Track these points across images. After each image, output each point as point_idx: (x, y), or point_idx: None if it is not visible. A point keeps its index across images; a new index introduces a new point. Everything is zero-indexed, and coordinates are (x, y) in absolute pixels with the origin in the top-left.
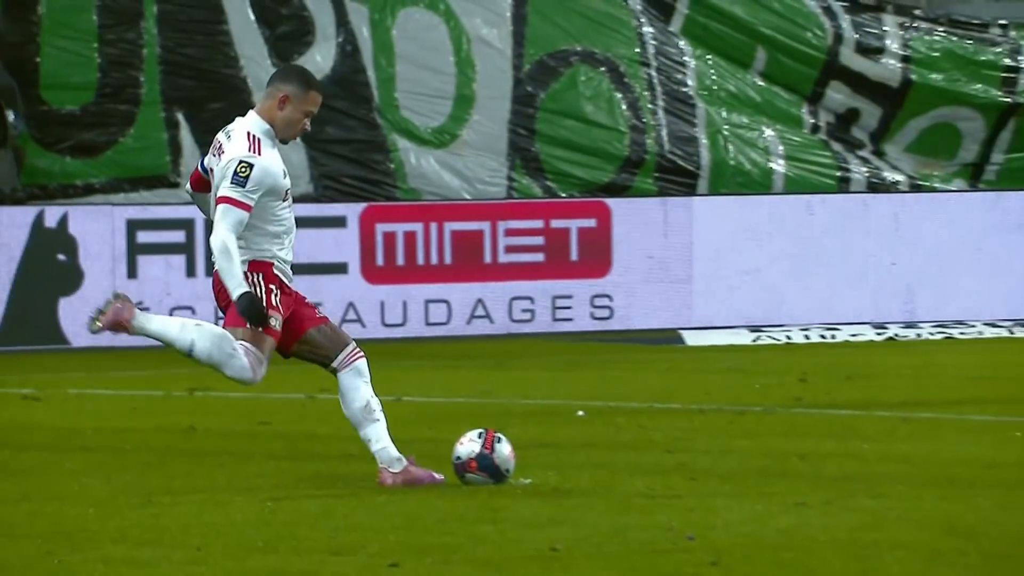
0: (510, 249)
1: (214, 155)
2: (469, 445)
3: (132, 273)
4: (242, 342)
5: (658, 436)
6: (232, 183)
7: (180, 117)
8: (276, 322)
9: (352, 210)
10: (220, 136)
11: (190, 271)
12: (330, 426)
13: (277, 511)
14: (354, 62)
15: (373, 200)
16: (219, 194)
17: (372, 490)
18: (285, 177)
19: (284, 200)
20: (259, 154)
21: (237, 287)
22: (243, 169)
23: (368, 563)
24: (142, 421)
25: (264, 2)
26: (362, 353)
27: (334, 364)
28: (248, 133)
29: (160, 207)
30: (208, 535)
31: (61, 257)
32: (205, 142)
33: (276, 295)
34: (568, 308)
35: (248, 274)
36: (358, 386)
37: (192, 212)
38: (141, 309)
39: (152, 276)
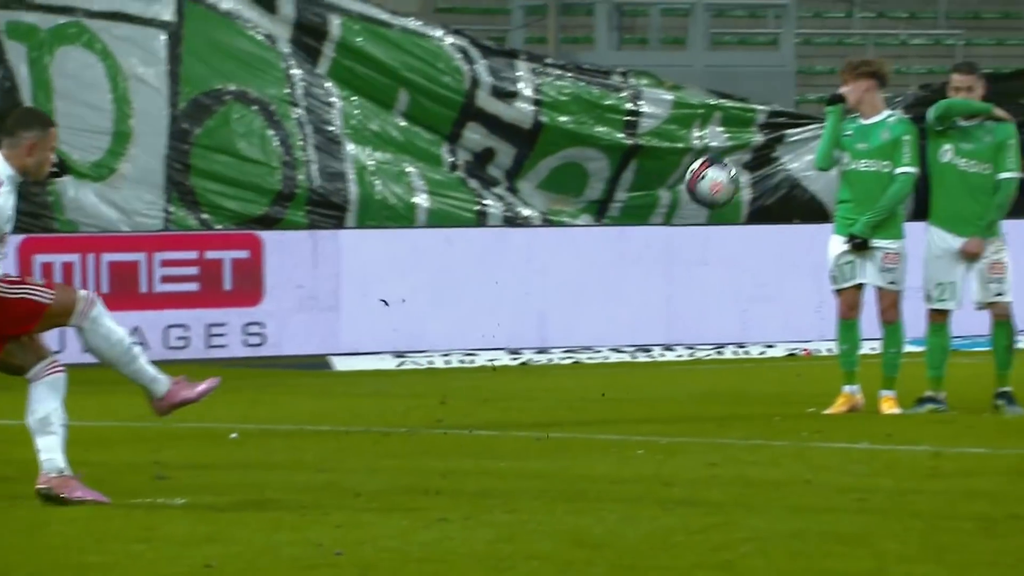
0: (166, 279)
1: None
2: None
3: None
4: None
5: (309, 456)
6: None
7: None
8: (43, 295)
9: (11, 241)
10: None
11: None
12: None
13: None
14: (12, 98)
15: (31, 232)
16: None
17: (30, 509)
18: (8, 223)
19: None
20: None
21: None
22: None
23: None
24: None
25: None
26: (61, 368)
27: (29, 374)
28: None
29: None
30: None
31: None
32: None
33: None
34: (222, 335)
35: None
36: (44, 398)
37: None
38: None
39: None
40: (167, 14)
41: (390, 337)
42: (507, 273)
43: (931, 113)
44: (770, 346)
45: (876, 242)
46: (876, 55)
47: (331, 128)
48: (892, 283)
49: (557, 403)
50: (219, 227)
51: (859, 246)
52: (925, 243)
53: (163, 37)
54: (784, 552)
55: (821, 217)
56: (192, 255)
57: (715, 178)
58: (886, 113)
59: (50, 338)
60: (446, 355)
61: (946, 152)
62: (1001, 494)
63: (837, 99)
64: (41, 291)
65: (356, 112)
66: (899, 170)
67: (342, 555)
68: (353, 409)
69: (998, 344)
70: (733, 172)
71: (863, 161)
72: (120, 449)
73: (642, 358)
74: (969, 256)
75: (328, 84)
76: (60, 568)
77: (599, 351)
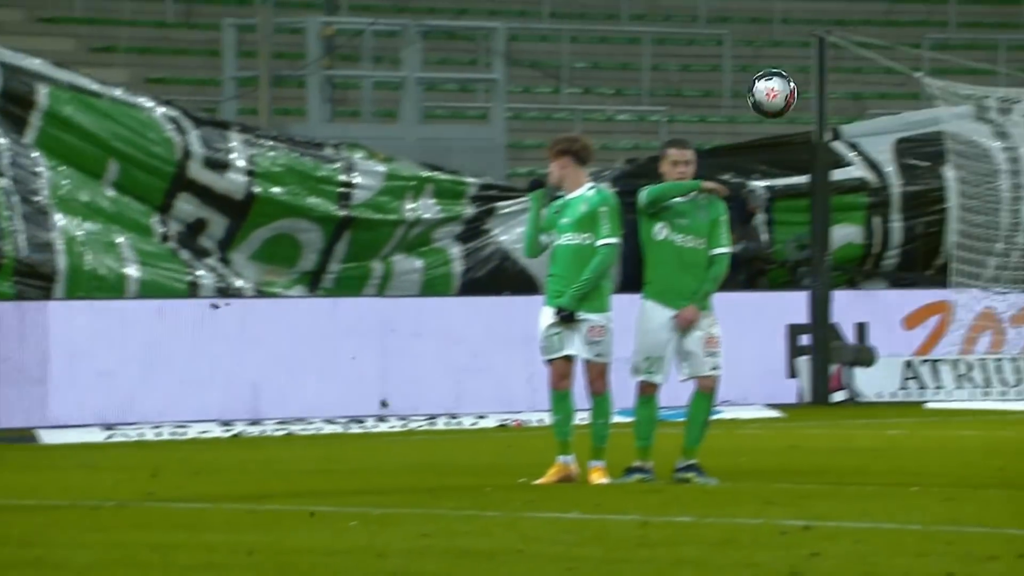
0: None
1: None
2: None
3: None
4: None
5: (15, 532)
6: None
7: None
8: None
9: None
10: None
11: None
12: None
13: None
14: None
15: None
16: None
17: None
18: None
19: None
20: None
21: None
22: None
23: None
24: None
25: None
26: None
27: None
28: None
29: None
30: None
31: None
32: None
33: None
34: None
35: None
36: None
37: None
38: None
39: None
40: None
41: (99, 410)
42: (220, 344)
43: (643, 197)
44: (482, 417)
45: (582, 315)
46: (583, 130)
47: (38, 198)
48: (599, 355)
49: (270, 475)
50: None
51: (566, 318)
52: (638, 316)
53: None
54: None
55: (531, 289)
56: None
57: (774, 87)
58: (587, 186)
59: None
60: (157, 427)
61: (661, 230)
62: (707, 562)
63: (536, 184)
64: None
65: (65, 182)
66: (600, 242)
67: None
68: (61, 483)
69: (697, 416)
70: (792, 86)
71: (566, 235)
72: None
73: (355, 429)
74: (683, 324)
75: (35, 154)
76: None
77: (312, 422)
